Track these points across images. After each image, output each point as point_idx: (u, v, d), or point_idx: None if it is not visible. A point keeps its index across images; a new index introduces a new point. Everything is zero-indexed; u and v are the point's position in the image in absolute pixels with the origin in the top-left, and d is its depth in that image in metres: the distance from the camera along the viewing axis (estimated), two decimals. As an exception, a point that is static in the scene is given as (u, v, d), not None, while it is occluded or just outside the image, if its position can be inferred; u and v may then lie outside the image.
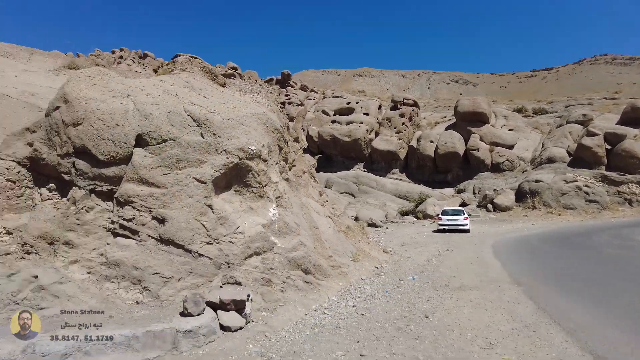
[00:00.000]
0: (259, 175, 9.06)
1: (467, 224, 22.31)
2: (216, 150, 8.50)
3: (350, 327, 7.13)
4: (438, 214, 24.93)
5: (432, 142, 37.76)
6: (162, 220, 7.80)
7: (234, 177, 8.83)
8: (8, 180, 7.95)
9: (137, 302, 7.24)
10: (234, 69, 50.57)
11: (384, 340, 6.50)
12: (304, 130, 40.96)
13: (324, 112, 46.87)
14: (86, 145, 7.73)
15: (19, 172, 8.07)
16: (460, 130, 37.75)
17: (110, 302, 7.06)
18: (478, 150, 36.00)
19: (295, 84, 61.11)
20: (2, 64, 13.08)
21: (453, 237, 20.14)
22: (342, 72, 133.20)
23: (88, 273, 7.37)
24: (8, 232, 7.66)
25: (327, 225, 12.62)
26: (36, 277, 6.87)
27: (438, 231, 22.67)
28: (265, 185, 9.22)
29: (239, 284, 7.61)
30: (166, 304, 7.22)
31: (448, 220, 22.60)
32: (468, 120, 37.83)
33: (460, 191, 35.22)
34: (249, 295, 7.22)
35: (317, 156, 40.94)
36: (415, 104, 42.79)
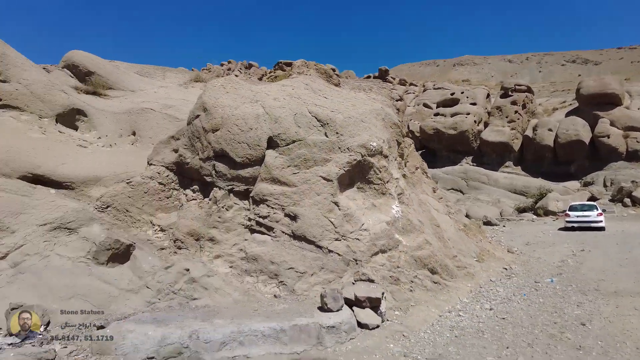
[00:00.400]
0: (380, 171, 8.92)
1: (601, 221, 19.61)
2: (339, 148, 8.57)
3: (494, 332, 6.61)
4: (564, 210, 22.35)
5: (550, 130, 34.05)
6: (294, 217, 8.08)
7: (357, 175, 8.81)
8: (159, 183, 8.94)
9: (274, 296, 7.59)
10: (332, 70, 51.41)
11: (538, 348, 5.89)
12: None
13: (425, 105, 45.25)
14: (224, 149, 8.35)
15: (167, 176, 9.03)
16: (584, 116, 33.46)
17: (251, 295, 7.51)
18: (608, 137, 31.53)
19: (394, 78, 60.12)
20: (143, 82, 14.93)
21: (586, 235, 17.82)
22: (440, 62, 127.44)
23: (230, 267, 7.94)
24: (162, 230, 8.61)
25: (447, 223, 12.03)
26: (187, 270, 7.58)
27: (565, 229, 20.30)
28: (387, 182, 9.06)
29: (372, 281, 7.55)
30: (301, 298, 7.45)
31: (577, 216, 20.10)
32: (594, 104, 33.35)
33: (587, 184, 31.23)
34: (383, 293, 7.11)
35: (420, 152, 39.67)
36: (529, 90, 39.03)
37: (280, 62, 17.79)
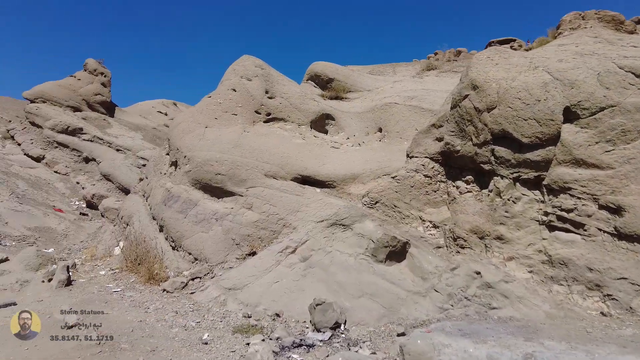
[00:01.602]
0: None
1: None
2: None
3: None
4: None
5: None
6: (615, 210, 6.05)
7: None
8: (425, 176, 8.21)
9: (602, 313, 5.74)
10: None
11: None
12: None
13: None
14: (506, 129, 6.96)
15: (432, 168, 8.22)
16: None
17: (568, 310, 5.86)
18: None
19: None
20: (377, 81, 14.98)
21: None
22: None
23: (529, 272, 6.47)
24: (434, 226, 7.82)
25: None
26: (478, 273, 6.49)
27: None
28: None
29: None
30: (648, 320, 5.38)
31: None
32: None
33: None
34: None
35: None
36: None
37: (493, 41, 15.28)
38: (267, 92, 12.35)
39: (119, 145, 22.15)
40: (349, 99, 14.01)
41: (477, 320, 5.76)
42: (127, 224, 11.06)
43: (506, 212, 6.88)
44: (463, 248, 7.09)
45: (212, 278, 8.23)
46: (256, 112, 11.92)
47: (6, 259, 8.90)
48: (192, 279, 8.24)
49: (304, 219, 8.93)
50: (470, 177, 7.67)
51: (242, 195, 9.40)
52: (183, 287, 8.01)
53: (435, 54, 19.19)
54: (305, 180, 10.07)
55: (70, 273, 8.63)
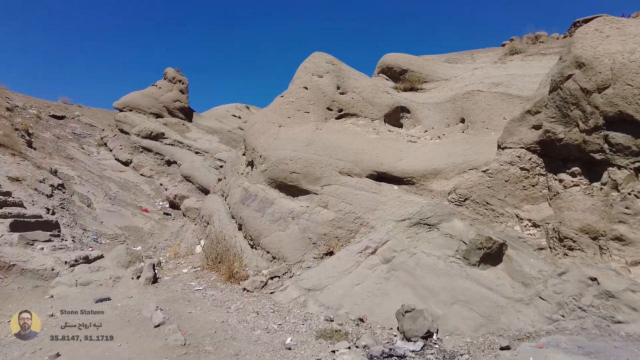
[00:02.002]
0: None
1: None
2: None
3: None
4: None
5: None
6: None
7: None
8: (521, 168, 7.33)
9: None
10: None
11: None
12: None
13: None
14: (624, 111, 5.93)
15: (529, 159, 7.32)
16: None
17: None
18: None
19: None
20: (454, 69, 14.00)
21: None
22: None
23: (662, 280, 5.42)
24: (535, 225, 6.93)
25: None
26: (594, 279, 5.58)
27: None
28: None
29: None
30: None
31: None
32: None
33: None
34: None
35: None
36: None
37: (578, 21, 13.45)
38: (338, 88, 12.03)
39: (197, 148, 23.23)
40: (425, 89, 13.21)
41: (598, 335, 4.90)
42: (208, 223, 11.37)
43: (626, 208, 5.85)
44: (571, 250, 6.16)
45: (290, 277, 8.08)
46: (328, 108, 11.64)
47: (101, 256, 9.51)
48: (271, 278, 8.15)
49: (382, 217, 8.47)
50: (576, 168, 6.67)
51: (317, 194, 9.17)
52: (263, 287, 7.94)
53: (512, 40, 17.59)
54: (382, 177, 9.59)
55: (156, 271, 8.97)
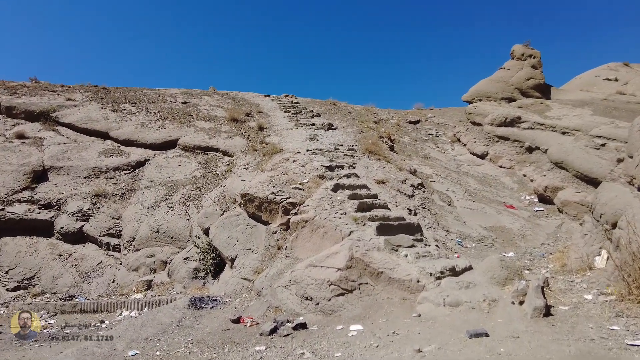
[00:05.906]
0: None
1: None
2: None
3: None
4: None
5: None
6: None
7: None
8: None
9: None
10: None
11: None
12: None
13: None
14: None
15: None
16: None
17: None
18: None
19: None
20: None
21: None
22: None
23: None
24: None
25: None
26: None
27: None
28: None
29: None
30: None
31: None
32: None
33: None
34: None
35: None
36: None
37: None
38: None
39: (564, 127, 18.62)
40: None
41: None
42: (613, 226, 7.59)
43: None
44: None
45: None
46: None
47: (469, 268, 7.74)
48: None
49: None
50: None
51: None
52: None
53: None
54: None
55: (545, 295, 6.27)
